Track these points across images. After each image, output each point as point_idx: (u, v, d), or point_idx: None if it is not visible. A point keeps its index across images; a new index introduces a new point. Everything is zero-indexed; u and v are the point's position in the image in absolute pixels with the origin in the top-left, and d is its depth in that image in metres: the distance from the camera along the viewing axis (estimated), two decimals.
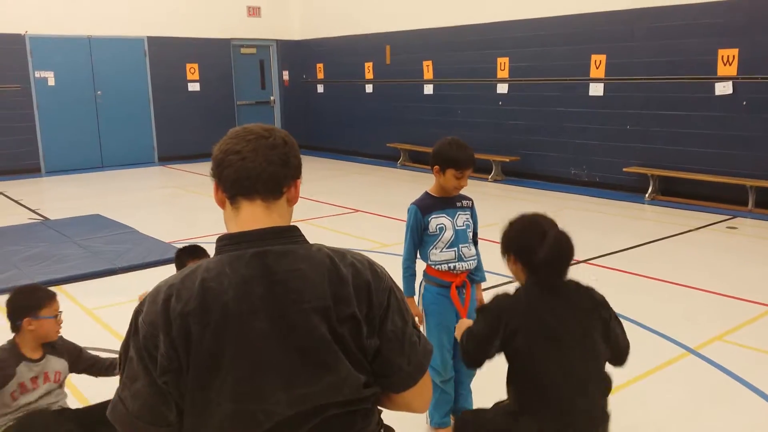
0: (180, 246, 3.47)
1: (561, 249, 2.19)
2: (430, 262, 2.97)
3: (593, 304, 2.22)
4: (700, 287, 5.17)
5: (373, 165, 12.67)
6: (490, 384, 3.51)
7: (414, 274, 3.03)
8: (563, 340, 2.15)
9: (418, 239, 2.97)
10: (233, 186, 1.40)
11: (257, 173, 1.39)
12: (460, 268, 2.95)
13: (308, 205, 8.37)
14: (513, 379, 2.20)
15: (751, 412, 3.32)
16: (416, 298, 3.06)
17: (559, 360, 2.12)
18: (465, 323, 2.40)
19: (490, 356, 2.22)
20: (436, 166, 2.91)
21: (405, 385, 1.44)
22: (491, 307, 2.23)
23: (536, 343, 2.14)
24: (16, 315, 2.87)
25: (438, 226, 2.94)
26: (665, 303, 4.84)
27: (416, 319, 2.75)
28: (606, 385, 2.21)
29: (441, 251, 2.93)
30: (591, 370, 2.17)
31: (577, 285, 2.25)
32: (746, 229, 7.20)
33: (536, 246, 2.19)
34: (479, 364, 2.27)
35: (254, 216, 1.40)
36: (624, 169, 8.91)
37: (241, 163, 1.39)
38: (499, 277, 5.25)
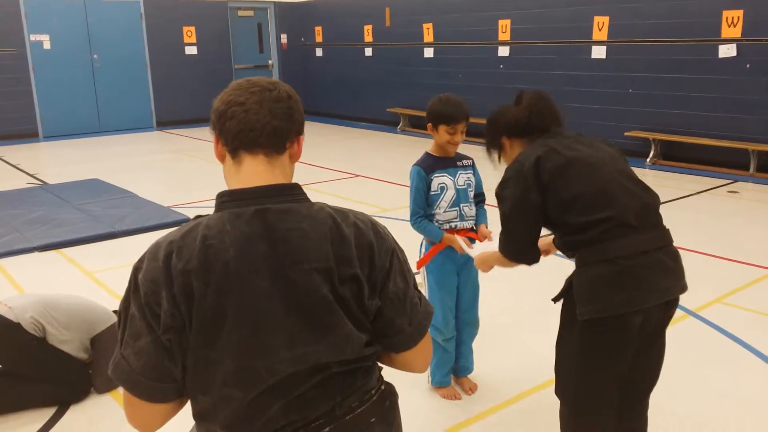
0: (181, 210, 3.50)
1: (539, 96, 2.31)
2: (434, 221, 2.97)
3: (594, 139, 2.29)
4: (700, 251, 5.18)
5: (372, 130, 12.59)
6: (491, 343, 3.54)
7: (427, 221, 2.95)
8: (589, 148, 2.19)
9: (424, 199, 2.95)
10: (235, 138, 1.37)
11: (261, 126, 1.36)
12: (461, 227, 2.97)
13: (307, 170, 8.34)
14: (565, 223, 2.13)
15: (750, 374, 3.35)
16: (418, 258, 3.06)
17: (596, 165, 2.13)
18: (483, 255, 2.45)
19: (537, 216, 2.14)
20: (429, 124, 2.95)
21: (406, 346, 1.44)
22: (507, 177, 2.19)
23: (563, 158, 2.13)
24: None
25: (440, 185, 2.94)
26: None
27: (462, 245, 2.81)
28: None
29: (444, 211, 2.94)
30: (626, 168, 2.22)
31: (577, 134, 2.30)
32: (747, 193, 7.20)
33: (516, 110, 2.31)
34: (534, 245, 2.19)
35: (256, 171, 1.37)
36: (625, 134, 8.85)
37: (245, 115, 1.35)
38: None
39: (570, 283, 2.16)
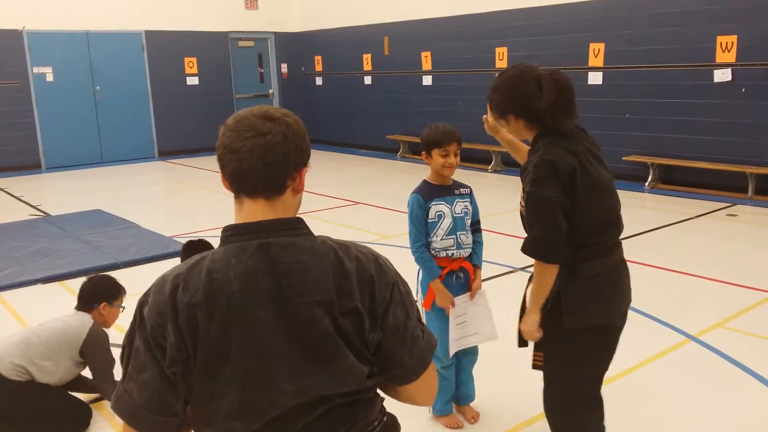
0: (183, 240, 3.54)
1: (562, 89, 2.17)
2: (432, 249, 3.00)
3: (596, 143, 2.33)
4: (700, 275, 5.19)
5: (372, 157, 12.66)
6: (493, 370, 3.54)
7: (429, 255, 2.98)
8: (602, 166, 2.24)
9: (424, 227, 2.99)
10: (233, 184, 1.39)
11: (254, 176, 1.36)
12: (458, 255, 3.00)
13: (308, 198, 8.35)
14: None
15: (751, 399, 3.34)
16: (415, 285, 3.07)
17: (610, 189, 2.23)
18: (526, 318, 2.33)
19: (565, 217, 2.14)
20: (423, 153, 3.03)
21: (407, 379, 1.45)
22: (540, 176, 2.13)
23: (591, 179, 2.16)
24: (95, 298, 3.32)
25: (437, 213, 2.97)
26: (666, 291, 4.86)
27: (447, 305, 2.90)
28: None
29: (441, 239, 2.97)
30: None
31: (580, 128, 2.29)
32: (746, 216, 7.22)
33: (535, 95, 2.16)
34: (566, 244, 2.15)
35: (256, 210, 1.39)
36: (624, 158, 8.90)
37: (238, 164, 1.35)
38: (500, 267, 5.27)
39: (556, 294, 2.24)
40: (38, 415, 3.10)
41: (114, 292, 3.39)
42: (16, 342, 3.14)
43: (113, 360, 3.26)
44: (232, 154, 1.36)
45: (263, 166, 1.35)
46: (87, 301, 3.33)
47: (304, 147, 1.41)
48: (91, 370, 3.25)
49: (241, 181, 1.37)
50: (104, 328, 3.32)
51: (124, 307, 3.42)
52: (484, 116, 2.57)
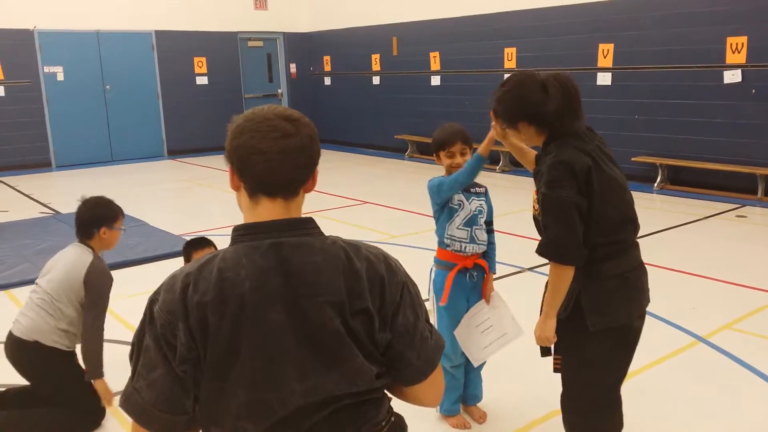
0: (188, 239, 3.52)
1: (568, 91, 2.21)
2: (445, 238, 3.00)
3: (605, 142, 2.34)
4: (709, 276, 5.17)
5: (380, 157, 12.67)
6: (501, 371, 3.54)
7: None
8: (614, 165, 2.27)
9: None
10: (256, 186, 1.38)
11: (281, 177, 1.36)
12: (470, 251, 2.99)
13: (316, 197, 8.39)
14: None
15: (760, 400, 3.33)
16: (427, 284, 3.08)
17: (624, 187, 2.27)
18: (543, 323, 2.29)
19: (581, 218, 2.14)
20: (434, 154, 3.08)
21: (415, 379, 1.45)
22: (556, 176, 2.13)
23: (607, 177, 2.18)
24: (94, 223, 3.18)
25: (458, 201, 2.99)
26: (674, 292, 4.84)
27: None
28: None
29: (458, 227, 2.98)
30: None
31: (589, 128, 2.30)
32: (755, 218, 7.18)
33: (543, 100, 2.20)
34: (582, 245, 2.15)
35: (273, 210, 1.39)
36: (632, 159, 8.88)
37: (268, 165, 1.34)
38: (509, 267, 5.26)
39: (576, 296, 2.23)
40: (62, 398, 3.09)
41: (112, 215, 3.24)
42: (37, 308, 3.09)
43: (106, 301, 3.18)
44: (259, 155, 1.34)
45: (293, 169, 1.37)
46: (87, 227, 3.19)
47: (318, 148, 1.44)
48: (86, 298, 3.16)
49: (266, 182, 1.37)
50: (106, 267, 3.24)
51: (124, 229, 3.32)
52: (493, 124, 2.57)
